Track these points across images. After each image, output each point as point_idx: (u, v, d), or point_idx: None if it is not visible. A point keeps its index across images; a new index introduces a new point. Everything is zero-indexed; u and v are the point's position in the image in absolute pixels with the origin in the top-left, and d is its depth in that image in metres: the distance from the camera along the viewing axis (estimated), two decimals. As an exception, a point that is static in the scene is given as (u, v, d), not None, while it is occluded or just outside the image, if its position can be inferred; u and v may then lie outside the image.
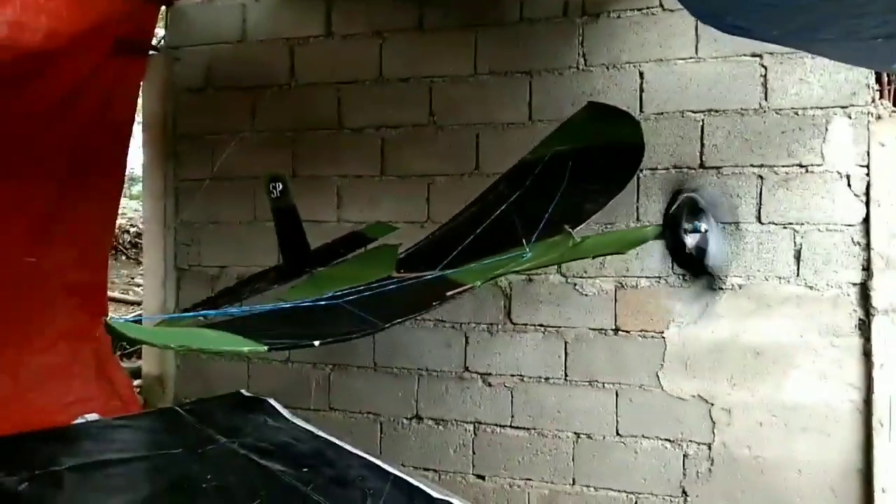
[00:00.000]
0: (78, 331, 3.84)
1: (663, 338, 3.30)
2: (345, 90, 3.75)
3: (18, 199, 3.50)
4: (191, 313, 2.92)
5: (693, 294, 3.00)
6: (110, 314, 4.63)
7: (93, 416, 3.04)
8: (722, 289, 3.15)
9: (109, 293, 4.61)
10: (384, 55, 3.69)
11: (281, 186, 2.83)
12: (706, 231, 2.27)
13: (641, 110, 3.30)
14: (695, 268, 2.43)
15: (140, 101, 3.98)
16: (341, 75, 3.74)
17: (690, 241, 2.26)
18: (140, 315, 4.70)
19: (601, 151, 2.74)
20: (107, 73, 3.67)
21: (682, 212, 2.27)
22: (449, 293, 2.22)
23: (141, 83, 3.90)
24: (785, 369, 3.13)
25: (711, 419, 3.23)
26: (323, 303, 2.09)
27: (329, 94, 3.77)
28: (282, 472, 2.42)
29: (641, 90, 3.30)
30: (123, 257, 7.93)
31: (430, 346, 3.65)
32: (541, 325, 3.48)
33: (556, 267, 3.43)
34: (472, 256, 2.45)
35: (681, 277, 3.25)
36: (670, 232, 2.32)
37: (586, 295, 3.41)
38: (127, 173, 4.06)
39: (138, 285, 6.27)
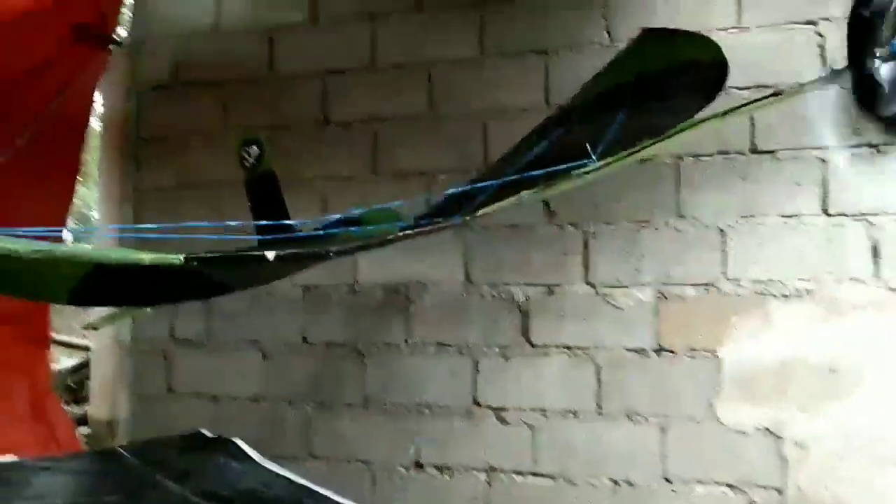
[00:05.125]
0: (11, 362, 3.22)
1: (717, 357, 2.72)
2: (331, 81, 3.27)
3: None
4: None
5: None
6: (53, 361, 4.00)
7: (8, 458, 2.41)
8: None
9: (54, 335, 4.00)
10: (377, 40, 3.23)
11: (257, 151, 2.31)
12: None
13: (679, 89, 2.82)
14: None
15: (98, 99, 3.49)
16: (328, 64, 3.27)
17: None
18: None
19: (668, 75, 2.21)
20: (63, 62, 3.21)
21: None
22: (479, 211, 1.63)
23: (100, 78, 3.42)
24: (868, 390, 2.55)
25: (781, 456, 2.62)
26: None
27: (314, 86, 3.29)
28: (244, 526, 1.82)
29: (677, 69, 2.83)
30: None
31: (431, 375, 3.05)
32: (566, 347, 2.90)
33: (582, 276, 2.88)
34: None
35: (735, 283, 2.71)
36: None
37: (620, 308, 2.84)
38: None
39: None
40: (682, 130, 1.77)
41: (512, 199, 1.74)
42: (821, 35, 2.69)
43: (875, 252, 2.59)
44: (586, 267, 2.89)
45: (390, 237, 1.61)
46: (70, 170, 3.36)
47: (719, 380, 2.70)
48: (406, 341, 3.09)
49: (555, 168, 1.72)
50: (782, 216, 2.69)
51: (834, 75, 1.72)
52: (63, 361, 4.78)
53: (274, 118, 3.33)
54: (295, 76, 3.33)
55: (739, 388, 2.68)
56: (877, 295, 2.57)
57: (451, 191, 2.12)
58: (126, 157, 3.50)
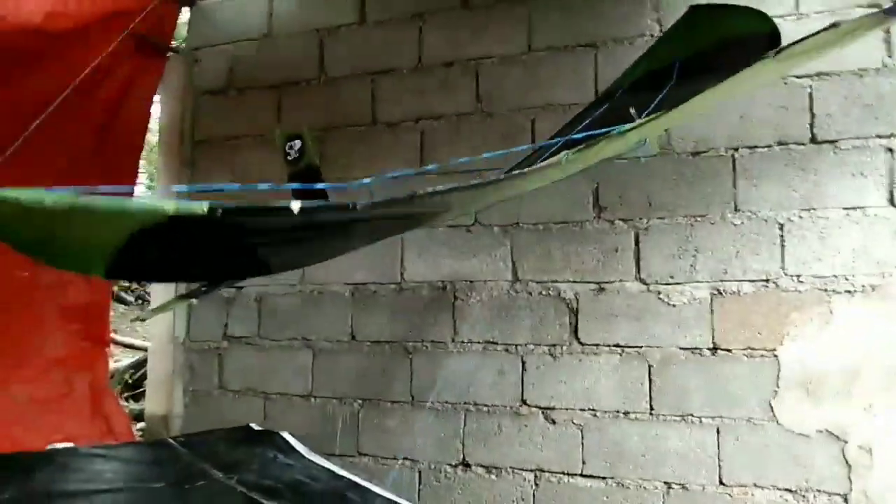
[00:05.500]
0: (74, 359, 3.34)
1: (776, 356, 2.60)
2: (379, 81, 3.29)
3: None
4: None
5: None
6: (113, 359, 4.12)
7: (65, 445, 2.48)
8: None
9: (115, 336, 4.13)
10: (424, 39, 3.23)
11: (299, 145, 2.32)
12: None
13: (733, 79, 2.73)
14: None
15: (156, 104, 3.60)
16: (375, 65, 3.29)
17: None
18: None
19: (719, 49, 2.12)
20: (123, 71, 3.34)
21: None
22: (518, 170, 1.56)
23: (158, 85, 3.53)
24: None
25: (846, 461, 2.48)
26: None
27: (362, 87, 3.31)
28: (288, 516, 1.82)
29: (731, 56, 2.74)
30: (121, 306, 6.78)
31: (478, 374, 3.01)
32: (617, 346, 2.82)
33: (633, 272, 2.81)
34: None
35: (796, 279, 2.59)
36: None
37: (674, 305, 2.75)
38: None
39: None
40: (734, 81, 1.63)
41: (553, 160, 1.66)
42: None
43: (948, 245, 2.45)
44: (638, 263, 2.81)
45: (427, 192, 1.55)
46: (129, 174, 3.46)
47: (779, 380, 2.58)
48: (453, 340, 3.06)
49: (597, 132, 1.66)
50: (845, 208, 2.56)
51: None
52: (122, 361, 4.93)
53: (325, 119, 3.36)
54: (344, 77, 3.36)
55: (800, 389, 2.56)
56: (950, 290, 2.42)
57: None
58: (182, 160, 3.59)
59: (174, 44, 3.67)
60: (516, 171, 1.76)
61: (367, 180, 1.45)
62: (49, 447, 2.41)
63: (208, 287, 2.42)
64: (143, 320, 3.44)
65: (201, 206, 1.15)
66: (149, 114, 3.54)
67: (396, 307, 3.16)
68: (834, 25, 1.42)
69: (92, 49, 3.22)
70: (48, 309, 3.31)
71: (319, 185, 1.43)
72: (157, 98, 3.63)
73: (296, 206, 1.25)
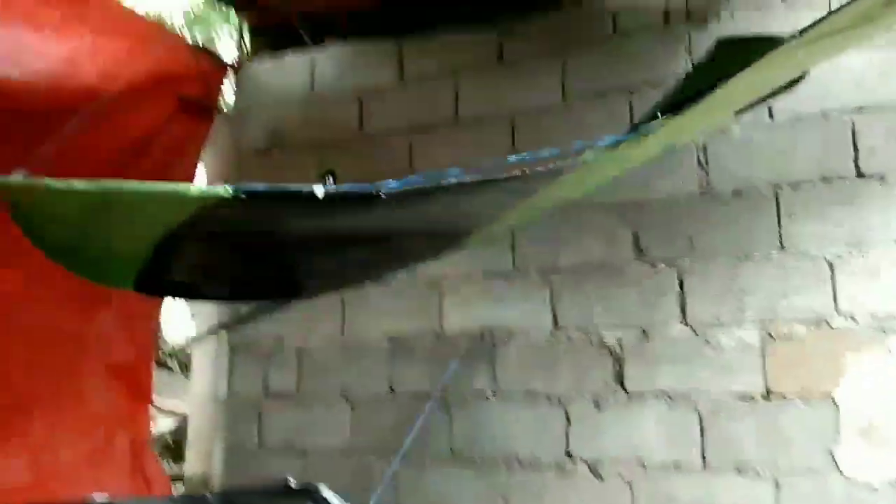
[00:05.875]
0: (117, 416, 3.36)
1: (834, 400, 2.46)
2: (417, 137, 3.35)
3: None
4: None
5: None
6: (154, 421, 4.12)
7: (102, 497, 2.45)
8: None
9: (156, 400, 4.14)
10: (460, 94, 3.30)
11: (332, 179, 2.35)
12: None
13: (771, 116, 2.70)
14: None
15: (202, 164, 3.72)
16: (413, 121, 3.36)
17: None
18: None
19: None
20: (170, 131, 3.49)
21: None
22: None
23: (204, 146, 3.67)
24: None
25: (919, 514, 2.30)
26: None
27: (400, 142, 3.37)
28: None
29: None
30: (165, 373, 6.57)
31: (519, 426, 2.91)
32: (664, 393, 2.71)
33: (678, 316, 2.72)
34: None
35: (850, 318, 2.48)
36: None
37: (723, 349, 2.64)
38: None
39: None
40: (758, 69, 1.54)
41: (576, 160, 1.61)
42: (925, 52, 2.54)
43: None
44: (682, 307, 2.73)
45: (452, 181, 1.49)
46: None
47: (838, 426, 2.44)
48: (493, 391, 2.99)
49: (622, 137, 1.62)
50: (895, 241, 2.47)
51: None
52: (163, 424, 4.93)
53: (364, 175, 3.40)
54: (383, 134, 3.43)
55: (863, 436, 2.40)
56: None
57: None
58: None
59: (221, 106, 3.82)
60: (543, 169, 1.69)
61: (393, 183, 1.43)
62: (84, 497, 2.39)
63: (244, 316, 2.43)
64: (188, 346, 3.47)
65: (226, 189, 1.16)
66: (195, 174, 3.66)
67: (435, 357, 3.12)
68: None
69: (142, 111, 3.39)
70: (92, 365, 3.35)
71: (346, 186, 1.42)
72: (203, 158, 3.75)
73: (319, 190, 1.25)
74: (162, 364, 6.47)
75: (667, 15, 2.95)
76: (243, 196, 1.17)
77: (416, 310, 3.15)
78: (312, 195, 1.26)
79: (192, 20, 6.00)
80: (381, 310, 3.27)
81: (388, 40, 3.45)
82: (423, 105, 3.37)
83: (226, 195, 1.15)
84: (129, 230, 1.14)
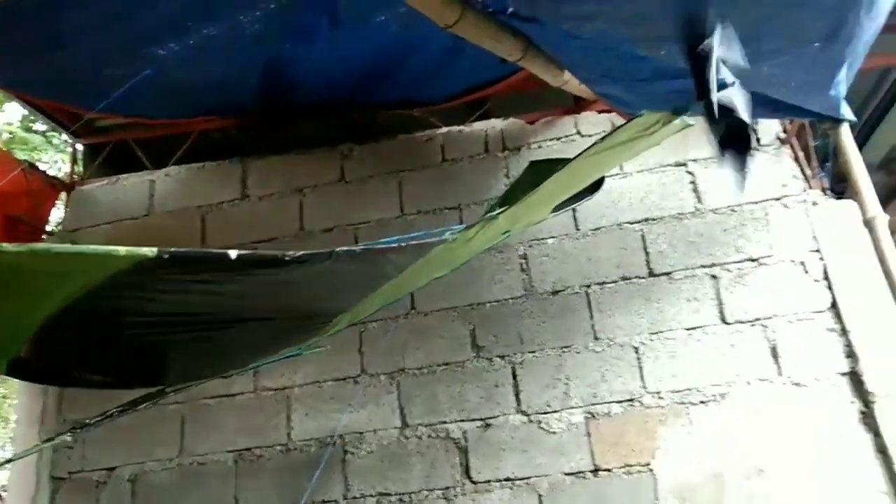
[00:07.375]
0: None
1: (651, 471, 2.79)
2: (261, 248, 3.46)
3: None
4: None
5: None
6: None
7: None
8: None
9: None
10: (305, 209, 3.50)
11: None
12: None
13: (577, 228, 3.17)
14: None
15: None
16: (259, 234, 3.48)
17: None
18: None
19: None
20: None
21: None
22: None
23: (30, 265, 3.51)
24: (807, 486, 2.66)
25: (731, 565, 2.62)
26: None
27: (245, 256, 3.46)
28: None
29: (574, 210, 3.19)
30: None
31: (373, 529, 2.94)
32: (507, 480, 2.90)
33: (514, 405, 2.98)
34: None
35: (656, 395, 2.87)
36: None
37: (554, 433, 2.91)
38: None
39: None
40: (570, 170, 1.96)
41: (440, 238, 1.85)
42: (691, 173, 3.16)
43: (774, 353, 2.84)
44: (518, 396, 2.99)
45: (346, 250, 1.68)
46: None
47: (656, 493, 2.75)
48: (345, 497, 3.01)
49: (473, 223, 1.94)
50: (686, 329, 2.94)
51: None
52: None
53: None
54: (226, 247, 3.50)
55: (678, 500, 2.73)
56: (783, 391, 2.78)
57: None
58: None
59: (50, 227, 3.70)
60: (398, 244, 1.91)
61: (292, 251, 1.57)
62: None
63: (74, 428, 2.34)
64: (7, 463, 3.11)
65: (152, 250, 1.25)
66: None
67: (284, 470, 3.09)
68: (637, 116, 1.73)
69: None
70: None
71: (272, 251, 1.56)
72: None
73: (233, 253, 1.38)
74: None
75: (486, 144, 3.41)
76: (166, 256, 1.27)
77: (263, 423, 3.14)
78: (227, 257, 1.39)
79: (11, 142, 5.77)
80: (224, 427, 3.22)
81: (234, 160, 3.61)
82: (268, 218, 3.52)
83: (150, 255, 1.24)
84: (20, 304, 1.16)
